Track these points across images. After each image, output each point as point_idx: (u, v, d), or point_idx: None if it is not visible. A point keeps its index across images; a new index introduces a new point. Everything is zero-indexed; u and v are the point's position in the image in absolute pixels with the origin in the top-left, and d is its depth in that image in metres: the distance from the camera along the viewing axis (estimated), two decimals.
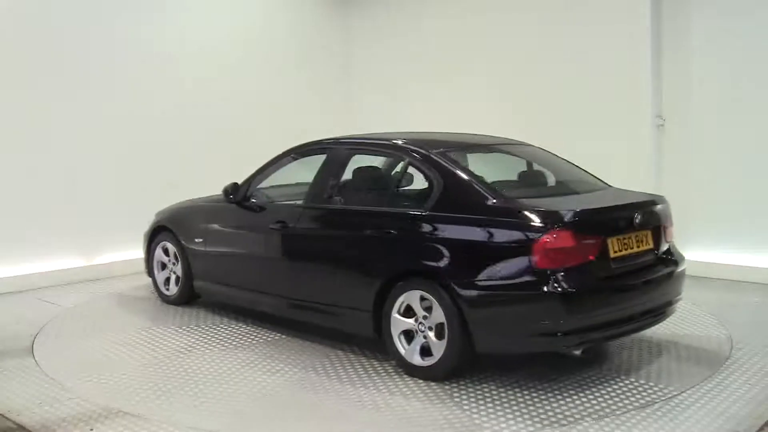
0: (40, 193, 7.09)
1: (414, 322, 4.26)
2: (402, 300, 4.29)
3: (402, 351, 4.30)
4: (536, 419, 3.62)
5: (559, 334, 3.85)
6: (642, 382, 4.10)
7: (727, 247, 6.87)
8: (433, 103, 9.14)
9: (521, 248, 3.88)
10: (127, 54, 7.76)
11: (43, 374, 4.44)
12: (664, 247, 4.49)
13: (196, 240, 5.87)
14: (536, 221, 3.91)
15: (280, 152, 5.62)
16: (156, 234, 6.38)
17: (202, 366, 4.54)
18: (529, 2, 8.25)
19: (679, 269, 4.50)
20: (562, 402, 3.84)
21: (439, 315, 4.10)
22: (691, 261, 7.00)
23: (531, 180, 4.98)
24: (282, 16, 9.52)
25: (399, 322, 4.31)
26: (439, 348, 4.13)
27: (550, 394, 3.95)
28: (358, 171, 4.99)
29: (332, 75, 10.08)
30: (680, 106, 7.12)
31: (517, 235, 3.94)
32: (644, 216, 4.28)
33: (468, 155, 4.90)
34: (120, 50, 7.70)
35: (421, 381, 4.17)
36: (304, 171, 5.37)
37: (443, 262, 4.13)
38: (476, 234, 4.10)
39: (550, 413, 3.70)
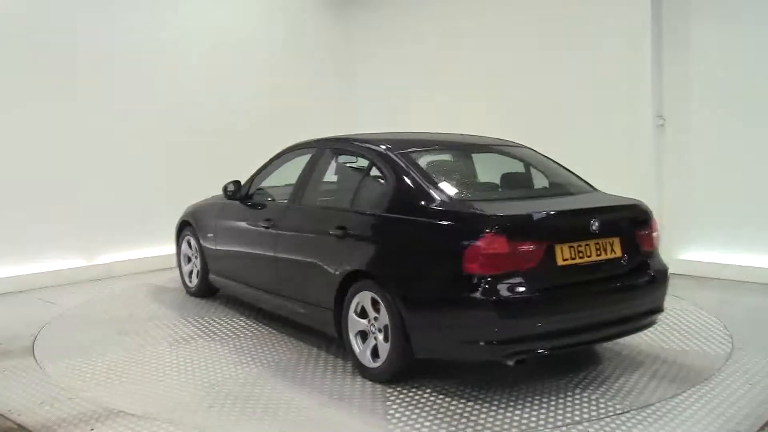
0: (40, 193, 7.10)
1: (368, 324, 4.24)
2: (357, 300, 4.28)
3: (357, 351, 4.31)
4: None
5: (492, 342, 3.68)
6: (642, 382, 4.10)
7: (727, 247, 6.87)
8: (433, 103, 9.14)
9: (455, 253, 3.74)
10: (126, 54, 7.77)
11: (44, 374, 4.44)
12: (640, 256, 4.21)
13: (209, 235, 6.15)
14: (471, 225, 3.79)
15: (278, 151, 5.75)
16: (182, 228, 6.69)
17: (194, 359, 4.55)
18: (529, 2, 8.25)
19: (655, 280, 4.24)
20: (561, 402, 3.84)
21: (384, 317, 4.06)
22: (692, 261, 7.09)
23: (505, 182, 4.77)
24: (282, 17, 9.53)
25: (355, 323, 4.31)
26: (384, 350, 4.10)
27: (538, 397, 3.96)
28: (330, 170, 5.07)
29: (332, 75, 10.08)
30: (681, 106, 7.12)
31: (452, 239, 3.83)
32: (604, 223, 3.99)
33: (446, 156, 4.90)
34: (120, 50, 7.71)
35: (369, 383, 4.18)
36: (298, 170, 5.43)
37: (387, 264, 4.11)
38: (416, 236, 4.06)
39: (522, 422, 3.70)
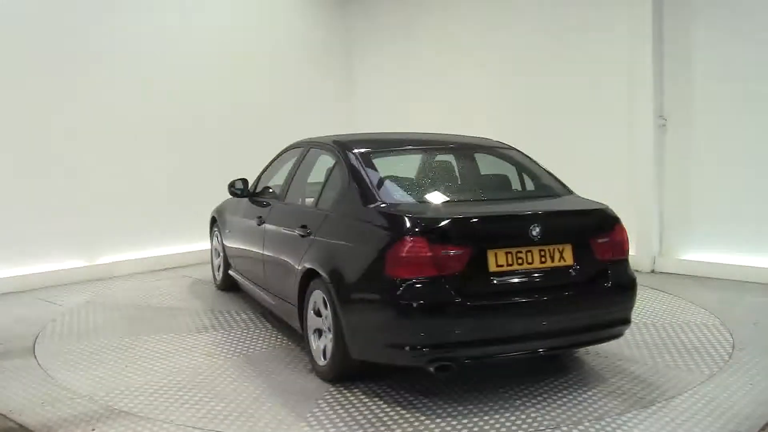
0: (41, 193, 7.10)
1: (322, 321, 4.24)
2: (314, 299, 4.30)
3: (312, 348, 4.34)
4: None
5: (408, 348, 3.63)
6: (643, 382, 4.10)
7: (727, 247, 6.87)
8: (433, 103, 9.15)
9: (381, 256, 3.71)
10: (127, 55, 7.78)
11: (45, 374, 4.45)
12: (598, 265, 3.98)
13: (226, 231, 6.39)
14: (394, 228, 3.75)
15: (280, 151, 5.87)
16: (212, 224, 6.99)
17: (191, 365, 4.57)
18: (530, 2, 8.25)
19: (615, 290, 4.01)
20: (561, 402, 3.85)
21: (329, 317, 4.09)
22: (692, 261, 7.09)
23: (463, 185, 4.69)
24: (283, 17, 9.53)
25: (312, 320, 4.34)
26: (329, 350, 4.12)
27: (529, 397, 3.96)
28: (308, 170, 5.16)
29: (332, 75, 10.10)
30: (682, 106, 7.13)
31: (379, 241, 3.79)
32: (550, 229, 3.85)
33: (413, 157, 4.90)
34: (121, 51, 7.72)
35: (318, 380, 4.20)
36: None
37: (331, 264, 4.12)
38: (353, 237, 4.08)
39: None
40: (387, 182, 4.29)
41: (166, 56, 8.13)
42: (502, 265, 3.72)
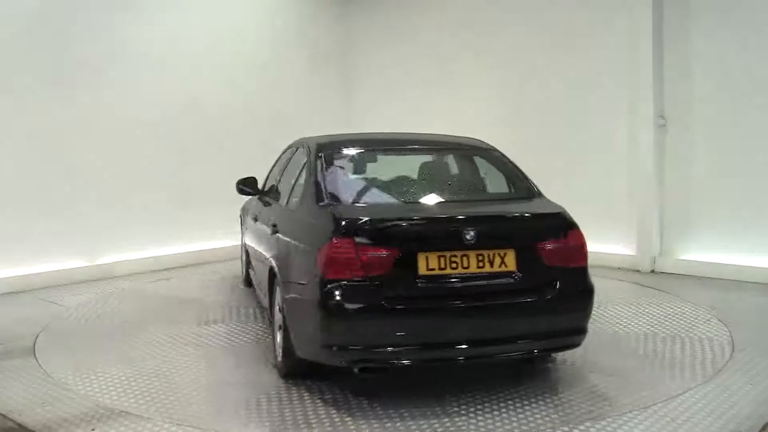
0: (42, 193, 7.10)
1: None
2: (277, 295, 4.34)
3: (276, 344, 4.39)
4: None
5: (336, 348, 3.63)
6: (643, 382, 4.10)
7: (727, 247, 6.88)
8: (433, 103, 9.15)
9: (314, 254, 3.72)
10: (127, 56, 7.78)
11: (45, 374, 4.44)
12: (547, 271, 3.80)
13: (244, 228, 6.52)
14: (324, 229, 3.75)
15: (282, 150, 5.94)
16: (240, 222, 7.02)
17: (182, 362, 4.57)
18: (530, 3, 8.26)
19: (564, 298, 3.82)
20: (562, 402, 3.84)
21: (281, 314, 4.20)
22: (692, 261, 7.09)
23: (420, 187, 4.55)
24: (282, 17, 9.54)
25: (277, 316, 4.38)
26: (281, 347, 4.19)
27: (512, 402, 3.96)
28: (295, 168, 5.14)
29: (332, 75, 10.10)
30: (682, 106, 7.13)
31: (315, 240, 3.78)
32: (488, 233, 3.74)
33: (384, 158, 4.91)
34: (121, 52, 7.72)
35: (275, 376, 4.25)
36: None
37: (281, 262, 4.21)
38: (298, 236, 4.12)
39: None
40: (342, 182, 4.34)
41: (166, 56, 8.13)
42: (433, 269, 3.64)
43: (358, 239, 3.61)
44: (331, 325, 3.63)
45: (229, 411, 3.80)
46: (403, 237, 3.75)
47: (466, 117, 8.52)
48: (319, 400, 3.88)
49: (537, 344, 3.85)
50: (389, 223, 3.79)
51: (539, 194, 4.43)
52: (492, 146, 4.94)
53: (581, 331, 3.93)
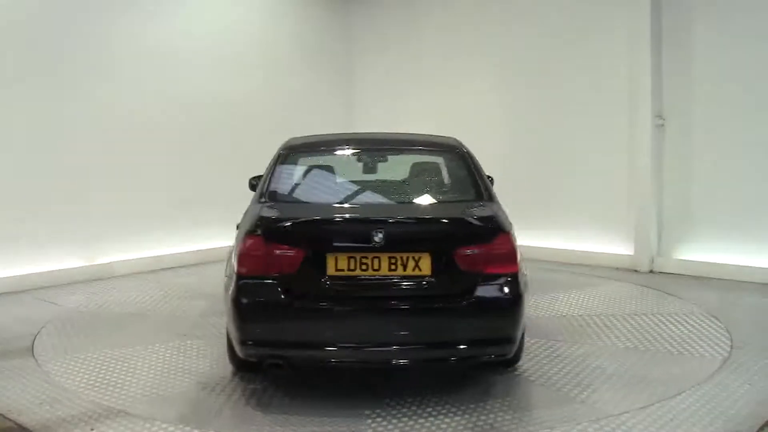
0: (41, 193, 7.10)
1: None
2: None
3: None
4: None
5: (248, 342, 3.69)
6: (642, 382, 4.10)
7: (727, 247, 6.88)
8: (432, 103, 9.16)
9: (236, 252, 3.82)
10: (127, 55, 7.78)
11: (44, 374, 4.44)
12: (466, 277, 3.65)
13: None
14: (245, 226, 3.85)
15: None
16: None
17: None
18: (530, 3, 8.26)
19: (484, 306, 3.67)
20: (562, 402, 3.84)
21: None
22: (692, 261, 7.10)
23: (368, 187, 4.53)
24: (283, 17, 9.54)
25: None
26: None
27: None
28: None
29: (332, 75, 10.10)
30: (680, 106, 7.14)
31: (239, 237, 3.87)
32: (402, 236, 3.72)
33: (347, 158, 4.92)
34: (121, 51, 7.73)
35: (229, 371, 4.30)
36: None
37: (227, 259, 4.18)
38: (237, 233, 4.12)
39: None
40: (287, 182, 4.37)
41: (166, 56, 8.13)
42: (342, 270, 3.64)
43: (268, 238, 3.69)
44: (243, 320, 3.69)
45: (230, 411, 3.79)
46: (311, 237, 3.78)
47: (466, 117, 8.53)
48: (253, 398, 3.93)
49: (456, 351, 3.72)
50: (298, 223, 3.86)
51: (489, 198, 4.22)
52: (461, 146, 4.69)
53: (509, 340, 3.72)
